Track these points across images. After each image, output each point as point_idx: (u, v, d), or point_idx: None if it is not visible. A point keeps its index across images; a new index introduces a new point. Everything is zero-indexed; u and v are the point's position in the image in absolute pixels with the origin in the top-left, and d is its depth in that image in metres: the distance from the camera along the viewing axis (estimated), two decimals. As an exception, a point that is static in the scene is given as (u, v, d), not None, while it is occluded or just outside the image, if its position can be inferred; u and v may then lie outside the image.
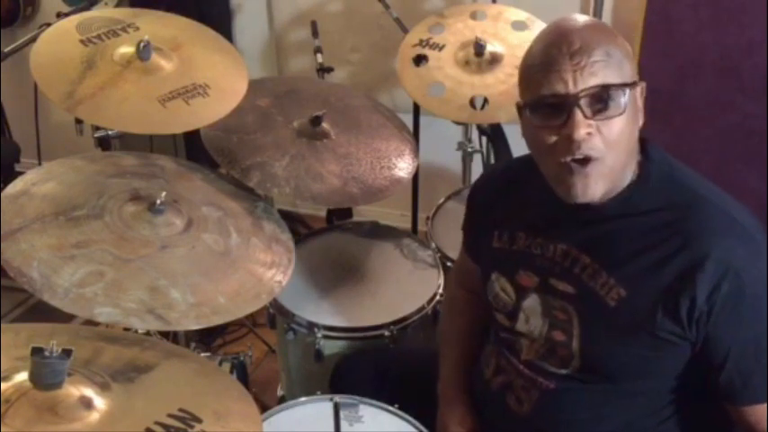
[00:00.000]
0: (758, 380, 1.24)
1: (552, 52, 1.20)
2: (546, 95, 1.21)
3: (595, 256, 1.29)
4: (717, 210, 1.25)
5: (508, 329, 1.41)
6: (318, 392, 1.58)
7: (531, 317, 1.36)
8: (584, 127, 1.18)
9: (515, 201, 1.44)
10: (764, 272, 1.22)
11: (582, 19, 1.26)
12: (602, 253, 1.28)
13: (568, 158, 1.20)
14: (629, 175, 1.28)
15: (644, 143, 1.31)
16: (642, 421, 1.33)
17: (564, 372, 1.33)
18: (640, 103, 1.26)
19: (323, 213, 2.78)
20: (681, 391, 1.32)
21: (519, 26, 2.21)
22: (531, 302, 1.36)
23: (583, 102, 1.18)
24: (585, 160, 1.20)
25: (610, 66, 1.19)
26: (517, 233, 1.40)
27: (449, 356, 1.58)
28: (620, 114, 1.19)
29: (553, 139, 1.22)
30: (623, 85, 1.19)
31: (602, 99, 1.19)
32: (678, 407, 1.33)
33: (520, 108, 1.30)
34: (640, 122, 1.26)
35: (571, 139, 1.18)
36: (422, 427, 1.50)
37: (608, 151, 1.20)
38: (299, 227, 3.01)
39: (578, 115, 1.18)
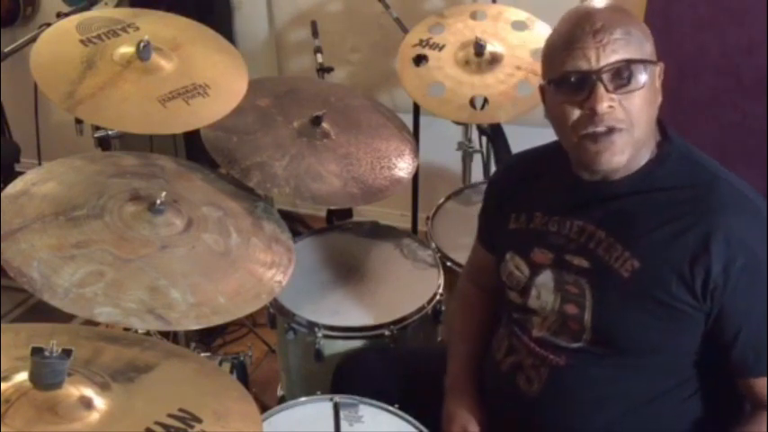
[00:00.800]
0: None
1: (576, 32, 1.26)
2: (570, 72, 1.26)
3: (611, 231, 1.33)
4: (733, 189, 1.30)
5: (520, 307, 1.43)
6: (318, 392, 1.57)
7: (543, 292, 1.39)
8: (606, 100, 1.24)
9: (534, 186, 1.48)
10: None
11: (602, 3, 1.32)
12: (618, 227, 1.32)
13: (590, 130, 1.26)
14: (647, 153, 1.33)
15: (662, 126, 1.37)
16: (655, 402, 1.34)
17: (575, 345, 1.35)
18: (658, 83, 1.31)
19: (323, 213, 2.78)
20: (700, 370, 1.33)
21: (519, 26, 2.21)
22: (544, 278, 1.39)
23: (605, 76, 1.24)
24: (610, 131, 1.25)
25: (630, 43, 1.25)
26: (535, 213, 1.44)
27: (458, 352, 1.60)
28: (641, 89, 1.25)
29: (577, 113, 1.27)
30: (643, 62, 1.26)
31: (623, 74, 1.25)
32: (692, 387, 1.34)
33: (543, 89, 1.35)
34: (658, 101, 1.31)
35: (594, 111, 1.24)
36: (422, 427, 1.50)
37: (631, 123, 1.26)
38: (299, 227, 3.00)
39: (601, 89, 1.23)
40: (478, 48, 2.11)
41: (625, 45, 1.24)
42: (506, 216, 1.49)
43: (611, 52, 1.23)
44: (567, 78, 1.27)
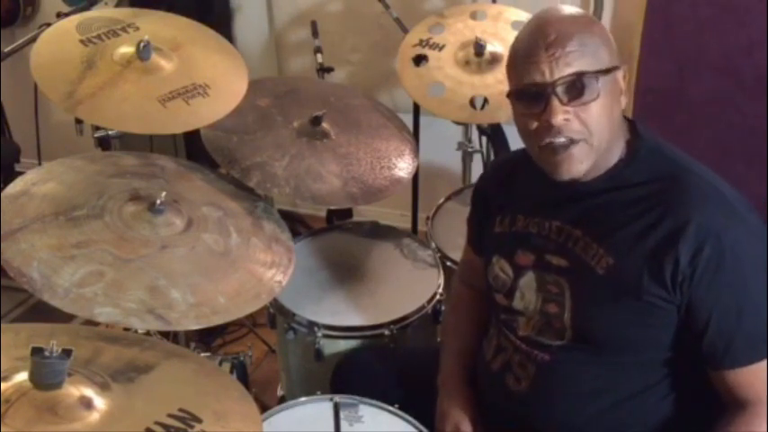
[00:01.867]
0: (739, 343, 1.27)
1: (531, 44, 1.28)
2: (527, 84, 1.29)
3: (586, 230, 1.35)
4: (700, 180, 1.31)
5: (506, 308, 1.45)
6: (318, 392, 1.58)
7: (527, 293, 1.41)
8: (561, 113, 1.25)
9: (517, 187, 1.50)
10: (745, 237, 1.27)
11: (561, 11, 1.32)
12: (593, 225, 1.34)
13: (548, 140, 1.28)
14: (616, 153, 1.34)
15: (633, 124, 1.38)
16: (639, 397, 1.35)
17: (559, 343, 1.37)
18: (623, 85, 1.32)
19: (323, 213, 2.78)
20: (676, 367, 1.34)
21: (519, 26, 2.18)
22: (527, 279, 1.41)
23: (559, 90, 1.25)
24: (568, 144, 1.27)
25: (584, 55, 1.26)
26: (517, 216, 1.46)
27: (450, 350, 1.62)
28: (595, 99, 1.26)
29: (535, 124, 1.29)
30: (597, 72, 1.26)
31: (576, 86, 1.26)
32: (675, 383, 1.36)
33: (509, 96, 1.37)
34: (623, 104, 1.33)
35: (550, 124, 1.26)
36: (422, 427, 1.50)
37: (589, 133, 1.27)
38: (299, 227, 3.00)
39: (555, 102, 1.25)
40: (478, 48, 2.11)
41: (579, 57, 1.25)
42: (492, 220, 1.51)
43: (564, 65, 1.24)
44: (524, 91, 1.29)
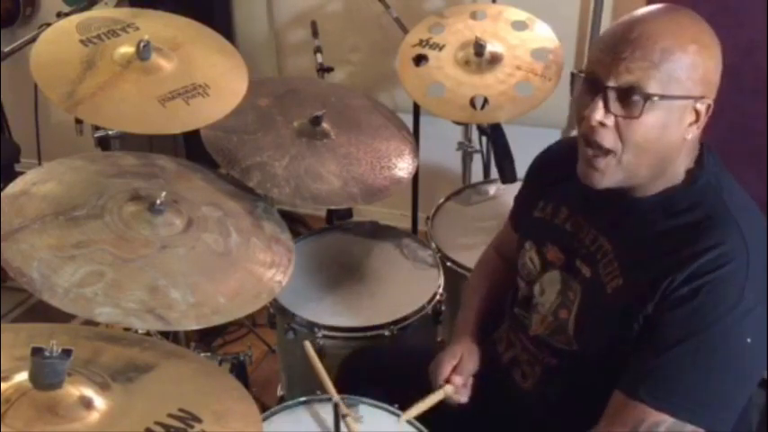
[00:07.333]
0: (668, 384, 1.20)
1: (612, 32, 1.21)
2: (589, 71, 1.22)
3: (615, 245, 1.31)
4: (739, 236, 1.21)
5: (525, 299, 1.45)
6: (318, 392, 1.58)
7: (547, 290, 1.40)
8: (600, 115, 1.19)
9: (569, 179, 1.41)
10: (753, 321, 1.18)
11: (668, 14, 1.22)
12: (621, 243, 1.30)
13: (583, 132, 1.23)
14: (672, 177, 1.27)
15: (702, 152, 1.31)
16: None
17: (568, 348, 1.37)
18: (701, 116, 1.23)
19: (323, 213, 2.78)
20: None
21: (519, 26, 2.20)
22: (552, 277, 1.41)
23: (609, 93, 1.18)
24: (598, 147, 1.22)
25: (655, 69, 1.16)
26: (561, 207, 1.43)
27: (469, 304, 1.64)
28: (638, 118, 1.17)
29: (582, 111, 1.23)
30: (657, 95, 1.16)
31: (627, 97, 1.17)
32: None
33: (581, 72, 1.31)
34: (690, 135, 1.23)
35: (586, 119, 1.20)
36: (422, 427, 1.50)
37: (623, 149, 1.21)
38: (299, 227, 3.01)
39: (599, 103, 1.19)
40: (478, 48, 2.11)
41: (647, 69, 1.15)
42: (535, 201, 1.49)
43: (625, 71, 1.16)
44: (586, 76, 1.23)
